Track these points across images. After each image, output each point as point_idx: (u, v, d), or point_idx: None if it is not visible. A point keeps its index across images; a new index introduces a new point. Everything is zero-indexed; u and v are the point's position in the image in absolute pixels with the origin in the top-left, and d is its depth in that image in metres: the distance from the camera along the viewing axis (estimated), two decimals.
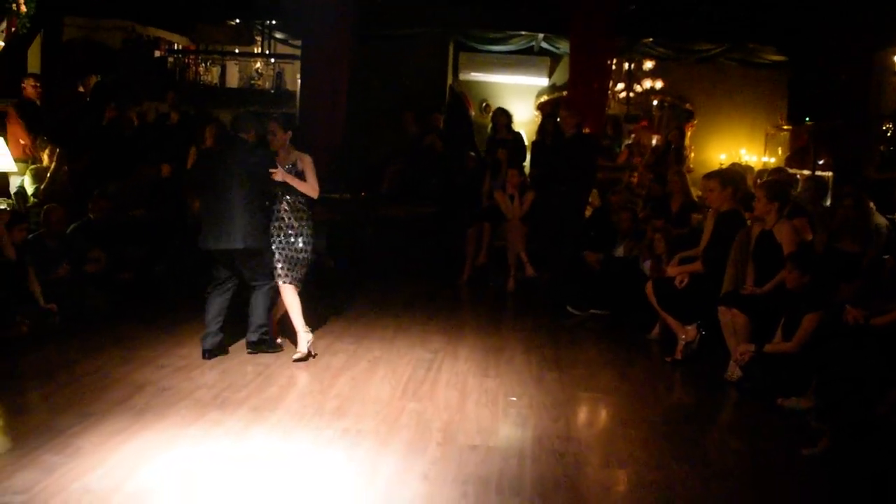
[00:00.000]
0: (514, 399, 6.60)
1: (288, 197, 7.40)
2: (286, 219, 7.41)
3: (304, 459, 5.25)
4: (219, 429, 5.67)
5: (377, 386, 6.79)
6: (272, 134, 7.46)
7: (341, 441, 5.56)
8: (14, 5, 10.49)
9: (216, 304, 7.43)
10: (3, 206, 9.80)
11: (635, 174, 13.69)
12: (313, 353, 7.44)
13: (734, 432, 6.63)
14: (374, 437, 5.66)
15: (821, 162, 12.53)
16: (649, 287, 8.35)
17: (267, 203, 7.39)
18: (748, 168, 13.70)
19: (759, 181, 10.03)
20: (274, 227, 7.41)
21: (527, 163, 12.84)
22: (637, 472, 5.35)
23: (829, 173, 11.93)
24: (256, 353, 7.47)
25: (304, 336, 7.41)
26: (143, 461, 5.08)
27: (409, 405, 6.34)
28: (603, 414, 6.70)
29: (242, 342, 7.61)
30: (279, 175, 7.23)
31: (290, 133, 7.52)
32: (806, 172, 12.31)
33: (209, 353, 7.31)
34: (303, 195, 7.45)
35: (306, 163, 7.48)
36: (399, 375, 7.08)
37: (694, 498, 4.98)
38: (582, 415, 6.62)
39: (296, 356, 7.34)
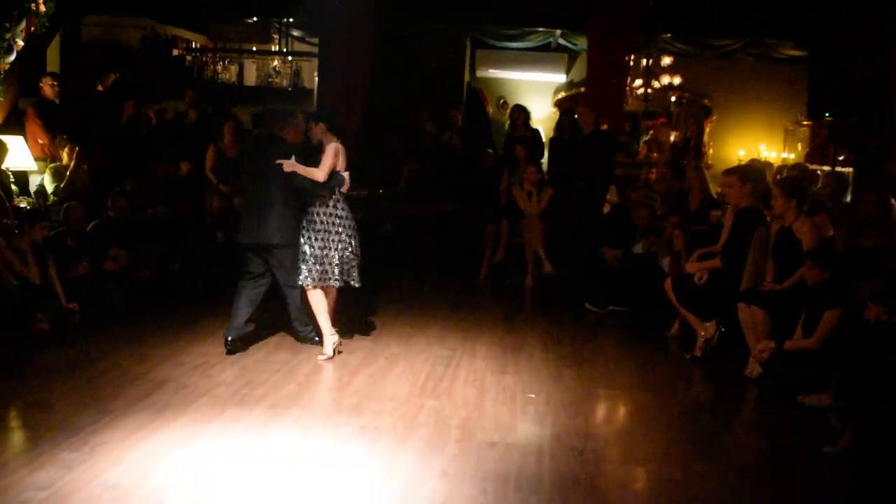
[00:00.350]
0: (533, 396, 6.59)
1: (329, 199, 7.45)
2: (323, 220, 7.44)
3: (322, 456, 5.25)
4: (238, 425, 5.69)
5: (395, 383, 6.79)
6: (308, 129, 7.59)
7: (359, 438, 5.57)
8: (33, 5, 10.52)
9: (245, 296, 7.53)
10: (23, 205, 9.86)
11: (653, 170, 13.64)
12: (340, 351, 7.49)
13: (754, 429, 6.62)
14: (392, 434, 5.66)
15: (841, 158, 12.45)
16: (668, 284, 8.31)
17: (308, 202, 7.46)
18: (767, 164, 13.63)
19: (779, 177, 9.98)
20: (309, 226, 7.43)
21: (545, 160, 12.81)
22: (656, 469, 5.33)
23: (850, 169, 11.84)
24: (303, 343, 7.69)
25: (330, 339, 7.44)
26: (162, 458, 5.10)
27: (428, 402, 6.34)
28: (622, 411, 6.68)
29: (262, 340, 7.64)
30: (288, 166, 7.28)
31: (322, 124, 7.59)
32: (826, 168, 12.22)
33: (231, 344, 7.38)
34: (343, 197, 7.53)
35: (326, 148, 7.47)
36: (417, 373, 7.08)
37: (714, 495, 4.96)
38: (600, 412, 6.61)
39: (321, 357, 7.36)
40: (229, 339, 7.39)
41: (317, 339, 7.60)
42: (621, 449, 5.73)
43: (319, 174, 7.32)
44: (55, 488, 4.60)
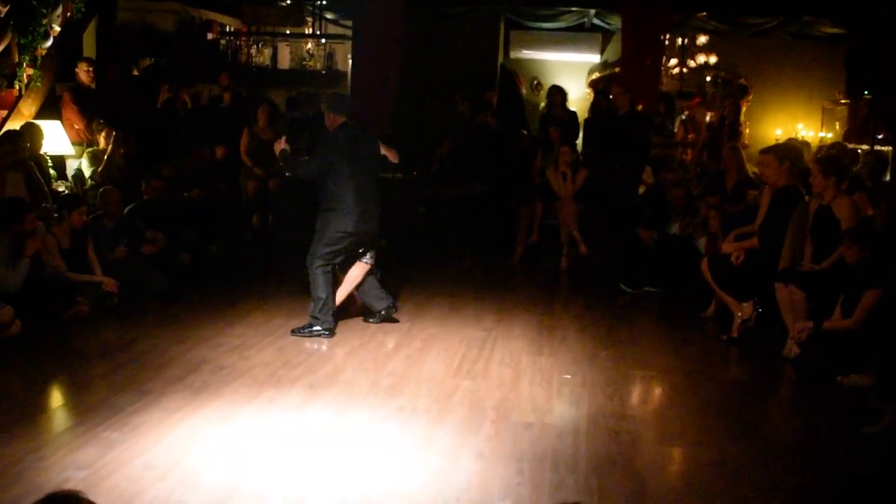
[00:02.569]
0: (569, 377, 6.58)
1: None
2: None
3: (358, 436, 5.28)
4: (274, 406, 5.73)
5: (431, 364, 6.81)
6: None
7: (396, 418, 5.59)
8: None
9: (370, 280, 7.85)
10: (61, 189, 9.96)
11: (689, 151, 13.54)
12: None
13: (792, 410, 6.58)
14: (428, 414, 5.68)
15: (880, 136, 12.30)
16: (704, 264, 8.26)
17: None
18: (805, 143, 13.49)
19: (818, 156, 9.88)
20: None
21: (579, 140, 12.75)
22: (693, 449, 5.31)
23: (889, 148, 11.70)
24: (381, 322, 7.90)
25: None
26: (200, 437, 5.15)
27: (463, 383, 6.35)
28: (658, 392, 6.67)
29: (297, 320, 7.69)
30: (392, 155, 7.72)
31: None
32: (865, 147, 12.08)
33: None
34: None
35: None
36: (453, 354, 7.09)
37: (752, 476, 4.93)
38: (636, 393, 6.59)
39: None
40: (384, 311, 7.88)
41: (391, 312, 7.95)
42: (658, 430, 5.72)
43: (396, 158, 7.91)
44: (96, 467, 4.65)
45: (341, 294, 7.81)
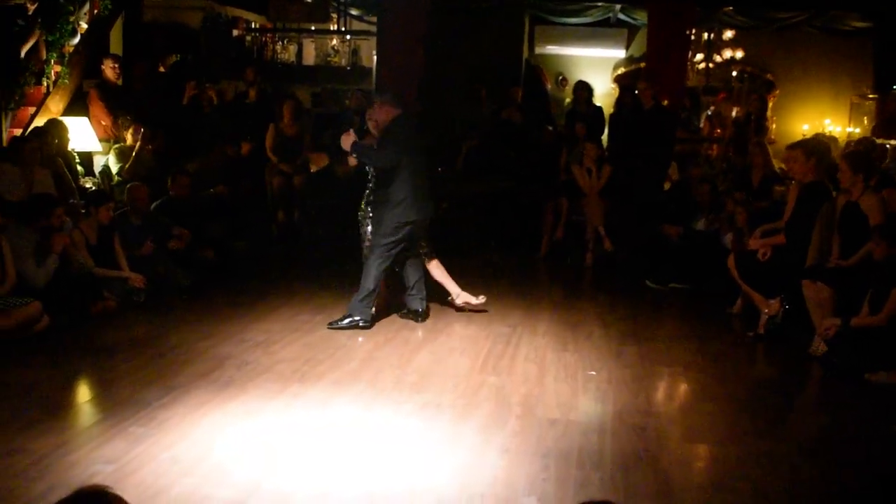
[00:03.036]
0: (594, 373, 6.56)
1: None
2: None
3: (383, 432, 5.28)
4: (299, 401, 5.74)
5: (456, 360, 6.81)
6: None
7: (421, 414, 5.59)
8: None
9: (417, 270, 7.97)
10: (89, 185, 10.02)
11: (714, 146, 13.45)
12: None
13: (819, 407, 6.54)
14: (453, 410, 5.68)
15: None
16: (731, 261, 8.23)
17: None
18: (832, 138, 13.38)
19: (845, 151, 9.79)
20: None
21: (604, 136, 12.70)
22: (719, 446, 5.28)
23: None
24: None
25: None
26: (226, 433, 5.17)
27: (489, 379, 6.35)
28: (683, 388, 6.63)
29: (322, 316, 7.72)
30: None
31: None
32: (894, 142, 11.96)
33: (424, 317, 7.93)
34: None
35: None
36: (478, 350, 7.09)
37: (779, 474, 4.90)
38: (662, 389, 6.56)
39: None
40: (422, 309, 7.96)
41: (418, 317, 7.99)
42: (683, 427, 5.68)
43: None
44: (122, 462, 4.68)
45: (446, 283, 8.25)
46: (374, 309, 7.73)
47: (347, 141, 7.69)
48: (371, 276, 7.63)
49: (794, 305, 7.56)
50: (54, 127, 9.70)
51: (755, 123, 12.88)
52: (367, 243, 7.85)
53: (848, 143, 12.24)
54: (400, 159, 7.60)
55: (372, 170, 7.81)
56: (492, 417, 5.57)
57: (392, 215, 7.63)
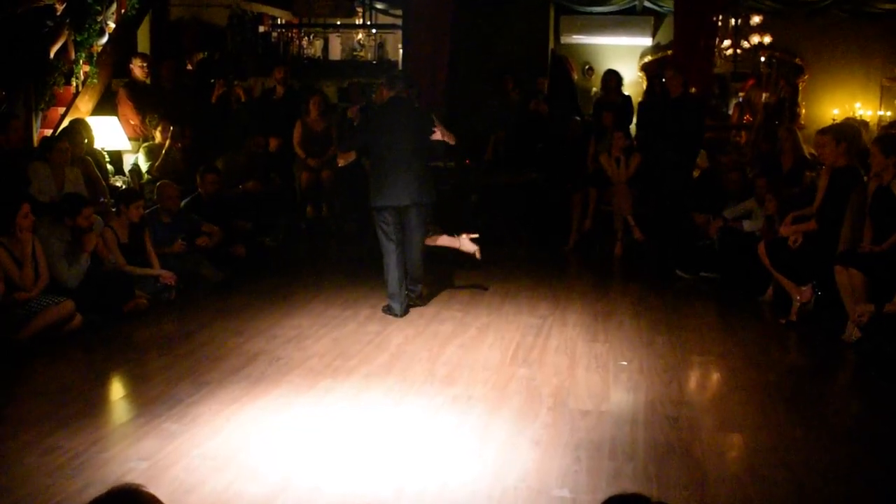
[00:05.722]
0: (625, 364, 6.54)
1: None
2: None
3: (415, 426, 5.29)
4: (331, 396, 5.76)
5: (486, 353, 6.80)
6: (407, 91, 7.98)
7: (452, 407, 5.59)
8: None
9: (401, 267, 7.88)
10: (119, 184, 10.10)
11: (743, 133, 13.34)
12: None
13: (853, 395, 6.48)
14: (484, 403, 5.68)
15: None
16: (762, 248, 8.15)
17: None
18: (863, 122, 13.24)
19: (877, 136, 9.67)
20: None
21: (633, 125, 12.64)
22: (753, 436, 5.25)
23: None
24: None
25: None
26: (257, 428, 5.20)
27: (519, 371, 6.34)
28: (716, 377, 6.60)
29: (352, 312, 7.75)
30: (438, 135, 7.76)
31: (415, 89, 8.20)
32: None
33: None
34: None
35: (433, 116, 8.16)
36: (508, 342, 7.08)
37: (813, 462, 4.86)
38: (694, 379, 6.53)
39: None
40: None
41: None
42: (716, 416, 5.66)
43: (454, 139, 8.04)
44: (156, 459, 4.72)
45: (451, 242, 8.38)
46: (403, 299, 7.83)
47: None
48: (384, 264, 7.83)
49: (827, 292, 7.49)
50: (76, 126, 9.77)
51: (789, 110, 12.76)
52: None
53: (880, 127, 12.11)
54: (364, 144, 7.83)
55: None
56: (523, 410, 5.56)
57: (370, 200, 7.82)
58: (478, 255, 8.36)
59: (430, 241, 8.21)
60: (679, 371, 6.45)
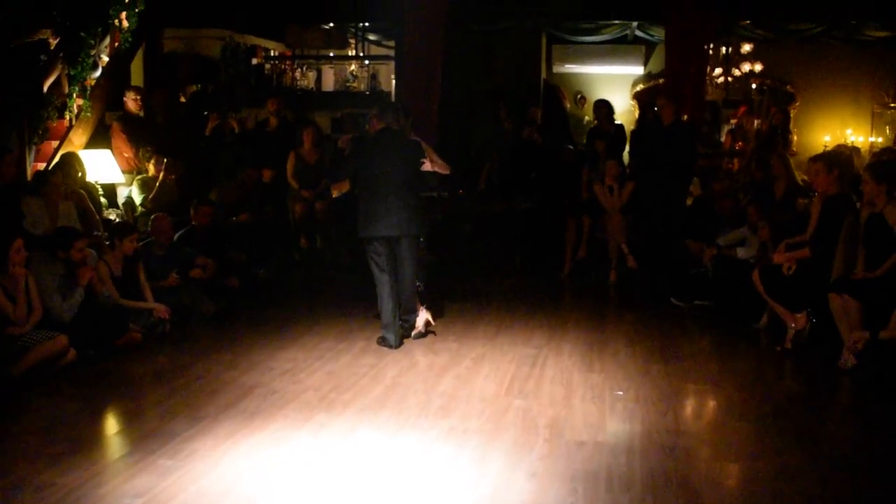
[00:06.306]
0: (621, 393, 6.52)
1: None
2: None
3: (411, 458, 5.27)
4: (326, 430, 5.74)
5: (482, 384, 6.78)
6: (398, 121, 7.97)
7: (448, 439, 5.57)
8: (117, 21, 10.79)
9: (394, 298, 7.84)
10: (112, 217, 10.09)
11: (735, 160, 13.39)
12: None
13: (849, 422, 6.46)
14: (480, 434, 5.66)
15: None
16: (756, 275, 8.16)
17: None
18: (855, 149, 13.30)
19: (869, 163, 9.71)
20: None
21: (625, 153, 12.67)
22: (750, 464, 5.24)
23: None
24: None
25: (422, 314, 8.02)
26: (253, 463, 5.17)
27: (515, 402, 6.32)
28: (712, 406, 6.58)
29: (347, 345, 7.73)
30: (428, 165, 7.69)
31: (410, 118, 8.15)
32: None
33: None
34: None
35: (425, 146, 8.05)
36: (503, 373, 7.06)
37: (811, 491, 4.84)
38: (690, 407, 6.52)
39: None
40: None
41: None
42: (713, 445, 5.64)
43: (447, 169, 8.13)
44: (151, 495, 4.68)
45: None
46: (397, 330, 7.81)
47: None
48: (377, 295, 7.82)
49: (822, 319, 7.50)
50: (73, 159, 9.77)
51: (780, 137, 12.81)
52: None
53: (872, 154, 12.16)
54: (354, 174, 7.85)
55: None
56: (519, 441, 5.54)
57: (359, 230, 7.85)
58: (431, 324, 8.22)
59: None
60: (675, 400, 6.44)
